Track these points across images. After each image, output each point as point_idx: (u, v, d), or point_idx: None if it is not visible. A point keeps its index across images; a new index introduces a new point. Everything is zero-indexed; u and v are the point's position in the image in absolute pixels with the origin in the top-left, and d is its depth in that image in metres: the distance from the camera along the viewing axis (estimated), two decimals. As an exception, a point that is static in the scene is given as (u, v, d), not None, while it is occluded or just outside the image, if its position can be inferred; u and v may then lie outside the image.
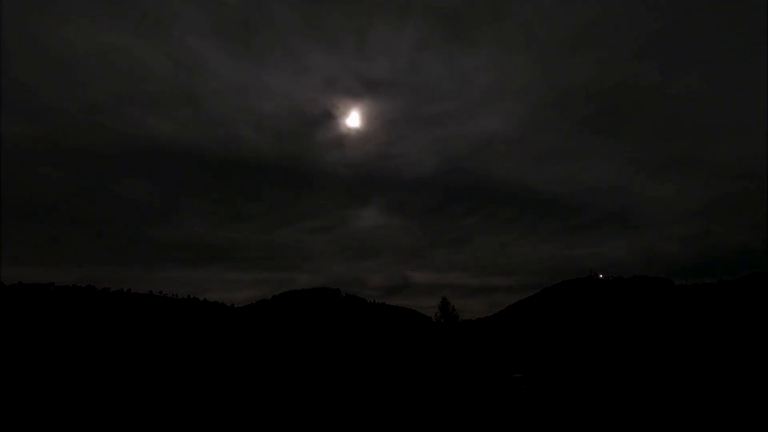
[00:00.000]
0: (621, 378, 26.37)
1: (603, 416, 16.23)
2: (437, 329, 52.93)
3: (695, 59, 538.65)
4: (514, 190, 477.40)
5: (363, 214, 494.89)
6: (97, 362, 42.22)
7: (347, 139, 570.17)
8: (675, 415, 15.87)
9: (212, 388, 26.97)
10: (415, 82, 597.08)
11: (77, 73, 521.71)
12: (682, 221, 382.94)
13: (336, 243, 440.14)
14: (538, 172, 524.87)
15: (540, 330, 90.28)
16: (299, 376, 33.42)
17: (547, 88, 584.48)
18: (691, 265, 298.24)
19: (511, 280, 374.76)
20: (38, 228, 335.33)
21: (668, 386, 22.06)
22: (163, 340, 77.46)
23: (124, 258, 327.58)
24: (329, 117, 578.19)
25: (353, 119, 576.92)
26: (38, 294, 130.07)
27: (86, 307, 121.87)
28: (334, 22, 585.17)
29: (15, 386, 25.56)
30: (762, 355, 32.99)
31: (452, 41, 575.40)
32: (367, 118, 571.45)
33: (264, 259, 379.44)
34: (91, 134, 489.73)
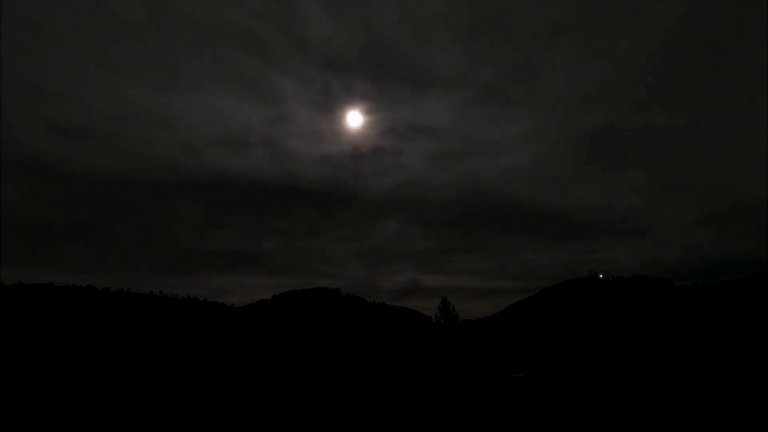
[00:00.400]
0: (621, 378, 26.37)
1: (603, 416, 16.23)
2: (437, 329, 52.92)
3: (679, 104, 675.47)
4: (525, 209, 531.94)
5: (386, 225, 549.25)
6: (97, 362, 42.22)
7: (391, 170, 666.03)
8: (675, 415, 15.87)
9: (212, 388, 26.97)
10: (458, 130, 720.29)
11: (176, 125, 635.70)
12: (680, 232, 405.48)
13: (357, 251, 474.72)
14: (547, 194, 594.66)
15: (540, 330, 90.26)
16: (299, 376, 33.42)
17: (561, 132, 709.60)
18: (690, 269, 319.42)
19: (517, 283, 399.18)
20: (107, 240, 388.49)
21: (668, 386, 22.06)
22: (163, 340, 77.44)
23: (166, 265, 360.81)
24: (382, 153, 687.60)
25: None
26: (38, 294, 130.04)
27: (86, 307, 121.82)
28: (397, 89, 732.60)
29: (15, 386, 25.56)
30: (762, 355, 32.99)
31: (492, 101, 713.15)
32: (412, 155, 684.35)
33: (287, 266, 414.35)
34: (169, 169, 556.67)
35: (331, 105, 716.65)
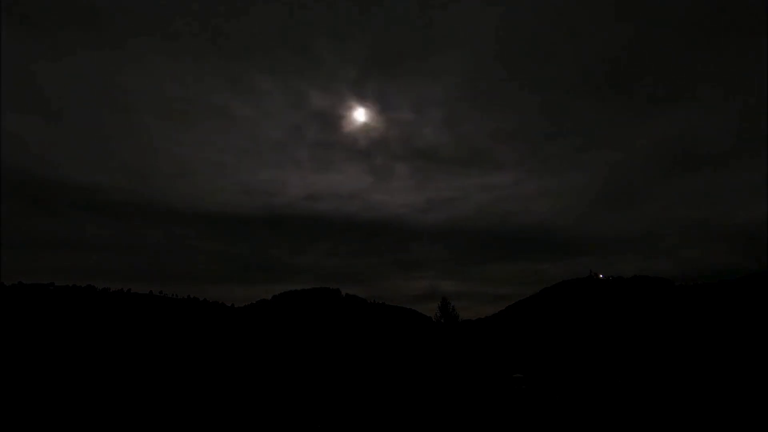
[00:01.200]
0: (621, 378, 26.38)
1: (603, 416, 16.24)
2: (437, 329, 52.91)
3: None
4: (537, 231, 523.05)
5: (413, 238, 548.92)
6: (97, 362, 42.22)
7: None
8: (675, 414, 15.88)
9: (212, 388, 26.97)
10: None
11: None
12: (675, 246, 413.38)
13: (384, 262, 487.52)
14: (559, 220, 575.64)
15: (540, 330, 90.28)
16: (299, 376, 33.43)
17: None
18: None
19: (525, 288, 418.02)
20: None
21: (668, 386, 22.06)
22: (163, 340, 77.45)
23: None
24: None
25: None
26: (38, 294, 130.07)
27: (86, 307, 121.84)
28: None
29: (15, 386, 25.56)
30: (762, 355, 33.00)
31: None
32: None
33: (320, 276, 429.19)
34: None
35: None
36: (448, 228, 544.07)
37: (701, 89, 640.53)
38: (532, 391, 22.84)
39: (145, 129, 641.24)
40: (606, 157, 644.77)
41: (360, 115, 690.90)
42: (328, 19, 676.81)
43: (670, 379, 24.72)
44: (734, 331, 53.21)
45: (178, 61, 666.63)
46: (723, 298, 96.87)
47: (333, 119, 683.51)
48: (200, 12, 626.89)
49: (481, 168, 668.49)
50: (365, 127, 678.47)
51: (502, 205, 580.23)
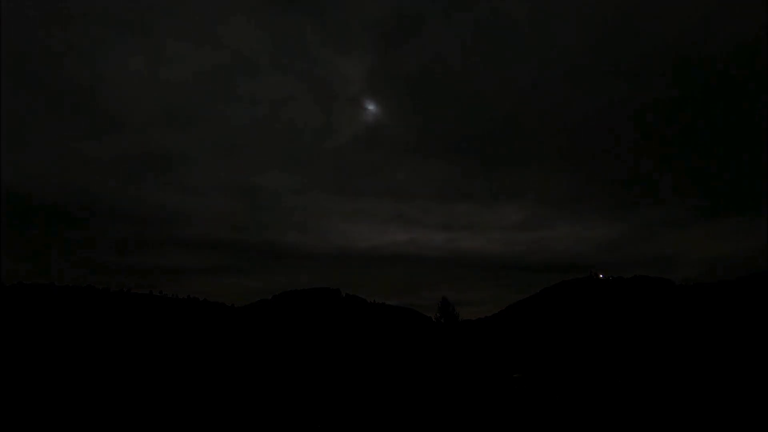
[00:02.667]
0: (621, 378, 26.38)
1: (603, 416, 16.24)
2: (437, 329, 52.92)
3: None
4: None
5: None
6: (97, 362, 42.25)
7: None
8: (675, 415, 15.89)
9: (212, 388, 26.98)
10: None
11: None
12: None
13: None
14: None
15: (540, 330, 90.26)
16: (299, 376, 33.44)
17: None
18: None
19: None
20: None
21: (668, 386, 22.06)
22: (163, 340, 77.46)
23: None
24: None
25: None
26: (38, 294, 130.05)
27: (86, 307, 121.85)
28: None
29: (15, 386, 25.58)
30: (762, 355, 33.00)
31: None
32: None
33: None
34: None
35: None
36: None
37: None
38: (531, 391, 22.85)
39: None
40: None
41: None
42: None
43: (670, 379, 24.72)
44: (734, 331, 53.19)
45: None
46: (723, 298, 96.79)
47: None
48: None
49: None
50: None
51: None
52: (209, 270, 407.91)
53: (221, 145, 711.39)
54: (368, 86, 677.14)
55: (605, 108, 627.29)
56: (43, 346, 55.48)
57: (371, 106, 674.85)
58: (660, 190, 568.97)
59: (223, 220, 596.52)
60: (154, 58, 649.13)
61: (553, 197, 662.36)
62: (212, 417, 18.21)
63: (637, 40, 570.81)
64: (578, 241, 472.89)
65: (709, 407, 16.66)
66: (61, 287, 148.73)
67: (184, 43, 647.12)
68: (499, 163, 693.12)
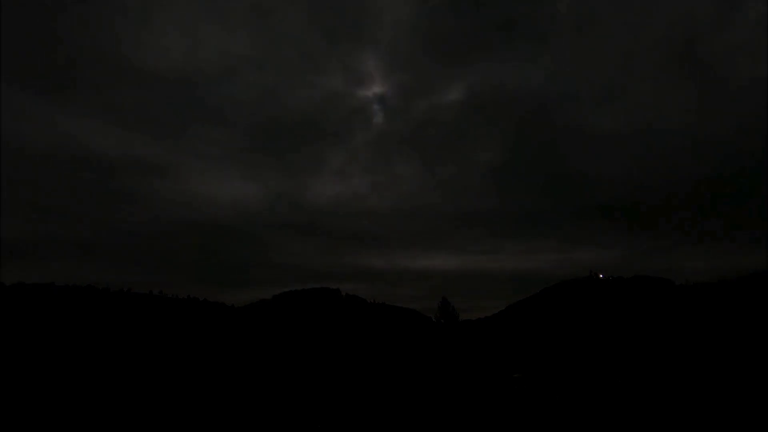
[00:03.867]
0: (621, 378, 26.37)
1: (603, 416, 16.24)
2: (437, 329, 52.91)
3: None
4: None
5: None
6: (97, 362, 42.23)
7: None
8: (675, 415, 15.88)
9: (212, 388, 26.97)
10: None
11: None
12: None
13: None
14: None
15: (540, 330, 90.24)
16: (299, 376, 33.43)
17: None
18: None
19: None
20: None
21: (668, 386, 22.06)
22: (163, 340, 77.45)
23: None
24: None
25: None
26: (38, 294, 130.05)
27: (86, 307, 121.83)
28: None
29: (15, 386, 25.57)
30: (762, 355, 32.99)
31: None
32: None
33: None
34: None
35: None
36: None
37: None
38: (531, 391, 22.84)
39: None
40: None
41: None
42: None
43: (671, 378, 24.71)
44: (734, 331, 53.16)
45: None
46: (723, 298, 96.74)
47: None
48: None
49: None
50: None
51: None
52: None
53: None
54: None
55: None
56: (43, 346, 55.46)
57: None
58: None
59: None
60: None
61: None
62: (212, 417, 18.20)
63: None
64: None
65: (710, 407, 16.66)
66: (61, 287, 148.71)
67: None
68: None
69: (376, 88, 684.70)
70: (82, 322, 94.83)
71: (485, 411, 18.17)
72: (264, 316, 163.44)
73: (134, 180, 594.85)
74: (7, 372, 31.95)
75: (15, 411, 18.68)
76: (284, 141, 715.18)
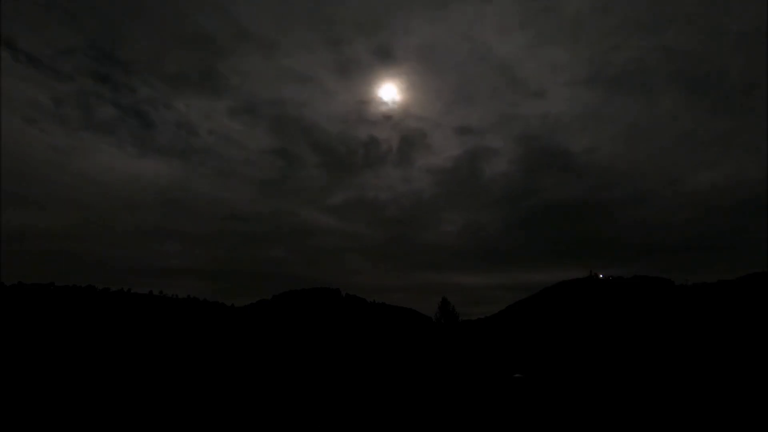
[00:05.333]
0: (621, 378, 26.38)
1: (603, 416, 16.24)
2: (437, 329, 52.94)
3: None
4: None
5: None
6: (97, 362, 42.25)
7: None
8: (675, 415, 15.89)
9: (212, 388, 26.98)
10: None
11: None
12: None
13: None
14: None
15: (540, 330, 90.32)
16: (299, 376, 33.45)
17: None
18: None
19: None
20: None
21: (668, 386, 22.07)
22: (163, 340, 77.49)
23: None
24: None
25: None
26: (38, 294, 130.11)
27: (86, 307, 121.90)
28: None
29: (15, 386, 25.58)
30: (762, 355, 33.02)
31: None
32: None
33: None
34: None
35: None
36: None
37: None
38: (531, 391, 22.84)
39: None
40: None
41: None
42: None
43: (670, 378, 24.72)
44: (734, 331, 53.21)
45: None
46: (723, 297, 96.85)
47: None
48: None
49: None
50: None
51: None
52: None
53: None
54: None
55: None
56: (43, 346, 55.48)
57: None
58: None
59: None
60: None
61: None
62: (212, 417, 18.22)
63: None
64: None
65: (710, 406, 16.67)
66: (61, 287, 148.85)
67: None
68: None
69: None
70: (82, 322, 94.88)
71: (486, 411, 18.18)
72: (264, 316, 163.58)
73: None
74: (7, 372, 31.97)
75: (15, 411, 18.70)
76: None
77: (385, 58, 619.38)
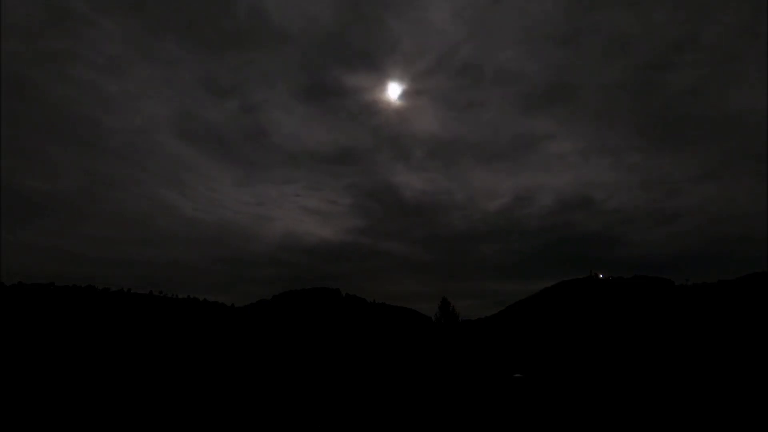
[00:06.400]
0: (621, 378, 26.38)
1: (603, 416, 16.24)
2: (437, 329, 52.95)
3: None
4: None
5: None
6: (97, 362, 42.26)
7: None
8: (675, 415, 15.89)
9: (212, 388, 26.99)
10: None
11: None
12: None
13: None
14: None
15: (540, 330, 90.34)
16: (299, 376, 33.45)
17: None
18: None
19: None
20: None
21: (668, 386, 22.07)
22: (163, 340, 77.50)
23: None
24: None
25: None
26: (38, 294, 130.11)
27: (86, 307, 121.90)
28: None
29: (15, 386, 25.59)
30: (762, 355, 33.03)
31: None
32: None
33: None
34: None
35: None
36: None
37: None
38: (532, 391, 22.84)
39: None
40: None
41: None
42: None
43: (671, 377, 24.72)
44: (734, 331, 53.22)
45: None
46: (723, 297, 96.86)
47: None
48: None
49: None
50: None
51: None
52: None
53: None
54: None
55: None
56: (43, 346, 55.49)
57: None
58: None
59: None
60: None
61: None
62: (212, 417, 18.22)
63: None
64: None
65: (710, 406, 16.67)
66: (61, 287, 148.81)
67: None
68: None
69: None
70: (82, 322, 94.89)
71: (486, 411, 18.18)
72: (264, 316, 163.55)
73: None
74: (7, 372, 31.98)
75: (15, 411, 18.70)
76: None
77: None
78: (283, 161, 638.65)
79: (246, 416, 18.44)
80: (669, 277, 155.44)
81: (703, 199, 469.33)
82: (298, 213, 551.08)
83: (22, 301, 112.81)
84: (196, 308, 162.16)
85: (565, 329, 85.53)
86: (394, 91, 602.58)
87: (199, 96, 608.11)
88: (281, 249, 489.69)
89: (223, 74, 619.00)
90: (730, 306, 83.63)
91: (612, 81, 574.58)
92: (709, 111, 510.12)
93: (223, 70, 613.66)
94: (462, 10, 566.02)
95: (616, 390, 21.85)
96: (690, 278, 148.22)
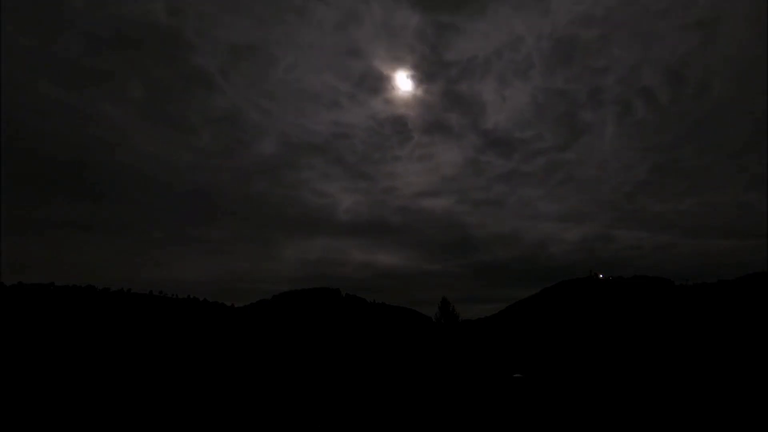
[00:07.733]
0: (621, 378, 26.38)
1: (603, 416, 16.25)
2: (437, 329, 52.97)
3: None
4: None
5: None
6: (97, 362, 42.25)
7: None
8: (675, 415, 15.89)
9: (212, 388, 26.98)
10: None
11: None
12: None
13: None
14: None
15: (540, 330, 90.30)
16: (299, 376, 33.44)
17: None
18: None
19: None
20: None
21: (668, 386, 22.07)
22: (163, 340, 77.48)
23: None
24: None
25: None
26: (38, 294, 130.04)
27: (86, 307, 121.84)
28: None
29: (15, 386, 25.58)
30: (762, 355, 33.03)
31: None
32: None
33: None
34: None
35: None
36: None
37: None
38: (532, 391, 22.84)
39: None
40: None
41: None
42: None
43: (670, 378, 24.73)
44: (734, 331, 53.23)
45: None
46: (723, 297, 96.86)
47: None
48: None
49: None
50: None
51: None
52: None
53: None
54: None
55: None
56: (43, 346, 55.47)
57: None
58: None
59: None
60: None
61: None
62: (212, 417, 18.22)
63: None
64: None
65: (709, 407, 16.67)
66: (61, 287, 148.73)
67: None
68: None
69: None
70: (82, 322, 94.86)
71: (486, 411, 18.19)
72: (264, 316, 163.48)
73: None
74: (7, 372, 31.97)
75: (15, 411, 18.70)
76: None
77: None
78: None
79: (246, 416, 18.44)
80: (669, 277, 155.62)
81: None
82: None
83: (21, 301, 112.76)
84: (196, 308, 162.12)
85: (565, 329, 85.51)
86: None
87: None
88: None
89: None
90: (730, 306, 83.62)
91: None
92: None
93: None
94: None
95: (616, 390, 21.85)
96: (690, 278, 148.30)
